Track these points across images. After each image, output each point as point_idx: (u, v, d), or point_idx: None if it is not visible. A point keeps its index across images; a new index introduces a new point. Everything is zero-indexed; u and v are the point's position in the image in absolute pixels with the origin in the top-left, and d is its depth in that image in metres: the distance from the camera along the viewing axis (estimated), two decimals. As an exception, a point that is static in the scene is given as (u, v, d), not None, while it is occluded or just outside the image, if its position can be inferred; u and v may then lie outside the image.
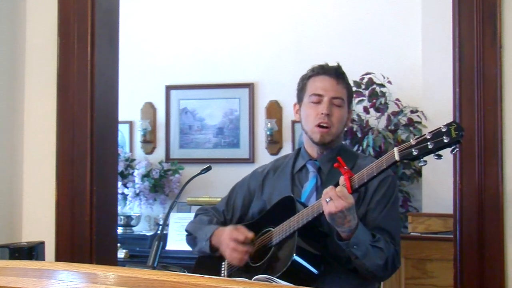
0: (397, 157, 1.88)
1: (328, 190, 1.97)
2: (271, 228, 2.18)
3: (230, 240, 2.18)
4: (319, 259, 2.09)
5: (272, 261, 2.12)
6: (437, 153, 1.82)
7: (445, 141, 1.79)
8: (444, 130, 1.80)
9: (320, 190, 2.21)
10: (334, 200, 1.95)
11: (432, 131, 1.83)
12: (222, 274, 2.25)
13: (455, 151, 1.84)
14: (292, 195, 2.19)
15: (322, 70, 2.28)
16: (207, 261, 2.34)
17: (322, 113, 2.22)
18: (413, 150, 1.84)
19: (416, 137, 1.88)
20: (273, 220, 2.19)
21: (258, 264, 2.15)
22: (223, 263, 2.28)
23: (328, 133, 2.23)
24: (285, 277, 1.93)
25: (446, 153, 1.86)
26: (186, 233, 2.44)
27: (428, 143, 1.82)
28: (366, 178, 1.95)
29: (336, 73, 2.27)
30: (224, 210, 2.43)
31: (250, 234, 2.19)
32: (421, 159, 1.85)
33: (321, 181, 2.26)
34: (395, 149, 1.89)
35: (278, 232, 2.13)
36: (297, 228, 2.06)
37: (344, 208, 1.94)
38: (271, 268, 2.06)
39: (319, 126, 2.23)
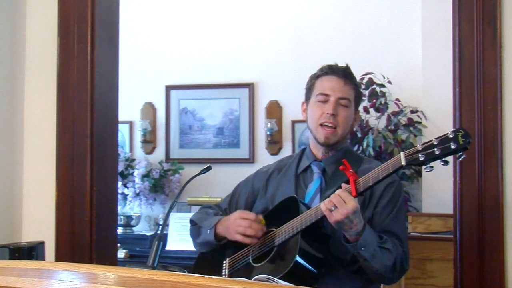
0: (403, 162, 1.88)
1: (331, 198, 1.96)
2: (273, 229, 2.18)
3: (242, 219, 2.17)
4: (321, 261, 2.09)
5: (274, 261, 2.11)
6: (443, 159, 1.83)
7: (453, 147, 1.80)
8: (451, 136, 1.80)
9: (324, 191, 2.21)
10: (338, 207, 1.94)
11: (439, 137, 1.84)
12: (223, 273, 2.24)
13: (462, 157, 1.85)
14: (295, 195, 2.18)
15: (330, 70, 2.28)
16: (207, 260, 2.34)
17: (327, 113, 2.21)
18: (419, 155, 1.84)
19: (423, 142, 1.88)
20: (276, 221, 2.18)
21: (260, 264, 2.14)
22: (224, 261, 2.27)
23: (334, 133, 2.22)
24: (286, 278, 1.93)
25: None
26: (191, 224, 2.43)
27: (435, 149, 1.82)
28: (372, 182, 1.95)
29: (344, 73, 2.26)
30: (227, 209, 2.42)
31: (259, 215, 2.19)
32: (428, 165, 1.85)
33: (325, 182, 2.25)
34: (402, 153, 1.89)
35: (281, 233, 2.12)
36: (300, 229, 2.05)
37: (349, 213, 1.94)
38: (273, 269, 2.05)
39: (324, 125, 2.22)
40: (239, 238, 2.17)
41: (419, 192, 4.67)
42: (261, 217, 2.19)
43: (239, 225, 2.17)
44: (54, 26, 2.61)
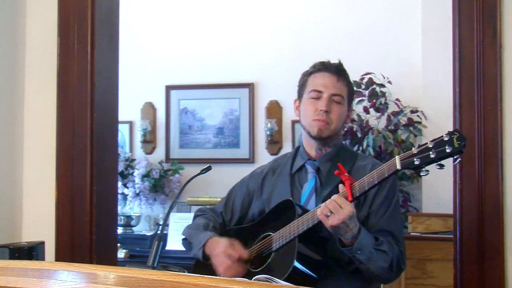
0: (398, 166, 1.87)
1: (328, 203, 1.95)
2: (270, 233, 2.16)
3: (225, 256, 2.13)
4: (319, 264, 2.08)
5: (272, 267, 2.09)
6: (439, 162, 1.81)
7: (448, 150, 1.78)
8: (446, 139, 1.79)
9: (319, 191, 2.20)
10: (335, 213, 1.93)
11: (434, 140, 1.82)
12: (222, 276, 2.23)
13: (458, 161, 1.83)
14: (291, 198, 2.17)
15: (323, 67, 2.27)
16: (206, 265, 2.32)
17: (321, 110, 2.20)
18: (415, 159, 1.83)
19: (418, 145, 1.86)
20: (272, 224, 2.17)
21: (258, 270, 2.12)
22: None
23: (326, 127, 2.21)
24: (285, 282, 1.92)
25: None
26: (183, 238, 2.43)
27: (430, 152, 1.80)
28: (367, 186, 1.94)
29: (337, 70, 2.26)
30: (223, 212, 2.40)
31: (245, 254, 2.14)
32: (423, 168, 1.84)
33: (320, 182, 2.24)
34: (397, 157, 1.88)
35: (278, 238, 2.11)
36: (297, 234, 2.04)
37: (345, 218, 1.93)
38: (272, 275, 2.04)
39: (316, 120, 2.22)
40: (220, 273, 2.14)
41: (419, 192, 4.67)
42: (245, 254, 2.14)
43: (222, 261, 2.13)
44: (54, 26, 2.61)
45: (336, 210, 1.93)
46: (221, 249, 2.15)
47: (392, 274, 2.12)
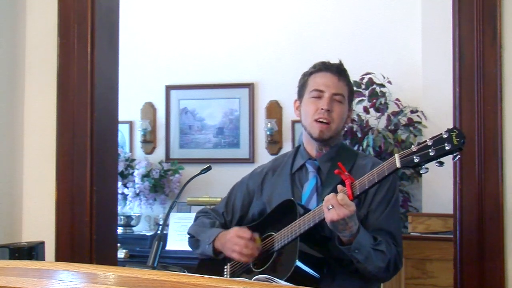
0: (398, 164, 1.87)
1: (330, 198, 1.95)
2: (272, 233, 2.17)
3: (237, 238, 2.16)
4: (321, 264, 2.08)
5: (275, 266, 2.10)
6: (438, 160, 1.82)
7: (447, 148, 1.78)
8: (445, 136, 1.79)
9: (320, 191, 2.21)
10: (336, 208, 1.93)
11: (433, 137, 1.82)
12: (225, 277, 2.24)
13: (457, 158, 1.84)
14: (292, 198, 2.17)
15: (323, 66, 2.28)
16: (209, 264, 2.33)
17: (322, 109, 2.21)
18: (414, 157, 1.83)
19: (417, 143, 1.86)
20: (274, 224, 2.17)
21: (260, 270, 2.13)
22: (225, 266, 2.26)
23: (328, 128, 2.22)
24: (287, 281, 1.92)
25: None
26: (188, 236, 2.43)
27: (430, 150, 1.81)
28: (368, 185, 1.94)
29: (338, 69, 2.27)
30: (224, 212, 2.41)
31: (255, 234, 2.17)
32: (423, 166, 1.84)
33: (321, 181, 2.24)
34: (396, 155, 1.88)
35: (280, 238, 2.11)
36: (299, 234, 2.05)
37: (346, 216, 1.93)
38: (274, 274, 2.04)
39: (318, 121, 2.22)
40: (235, 256, 2.17)
41: (419, 192, 4.67)
42: (256, 236, 2.17)
43: (236, 243, 2.16)
44: (54, 26, 2.61)
45: (337, 206, 1.93)
46: (232, 233, 2.19)
47: (389, 274, 2.13)
